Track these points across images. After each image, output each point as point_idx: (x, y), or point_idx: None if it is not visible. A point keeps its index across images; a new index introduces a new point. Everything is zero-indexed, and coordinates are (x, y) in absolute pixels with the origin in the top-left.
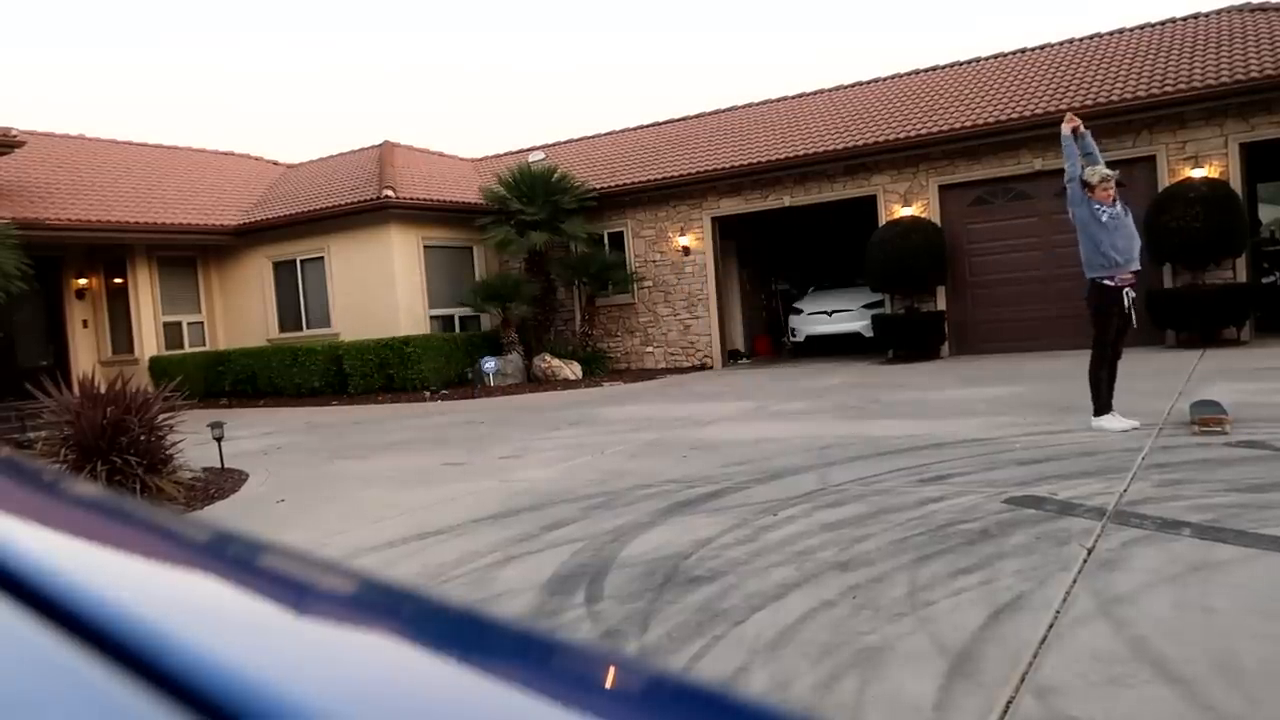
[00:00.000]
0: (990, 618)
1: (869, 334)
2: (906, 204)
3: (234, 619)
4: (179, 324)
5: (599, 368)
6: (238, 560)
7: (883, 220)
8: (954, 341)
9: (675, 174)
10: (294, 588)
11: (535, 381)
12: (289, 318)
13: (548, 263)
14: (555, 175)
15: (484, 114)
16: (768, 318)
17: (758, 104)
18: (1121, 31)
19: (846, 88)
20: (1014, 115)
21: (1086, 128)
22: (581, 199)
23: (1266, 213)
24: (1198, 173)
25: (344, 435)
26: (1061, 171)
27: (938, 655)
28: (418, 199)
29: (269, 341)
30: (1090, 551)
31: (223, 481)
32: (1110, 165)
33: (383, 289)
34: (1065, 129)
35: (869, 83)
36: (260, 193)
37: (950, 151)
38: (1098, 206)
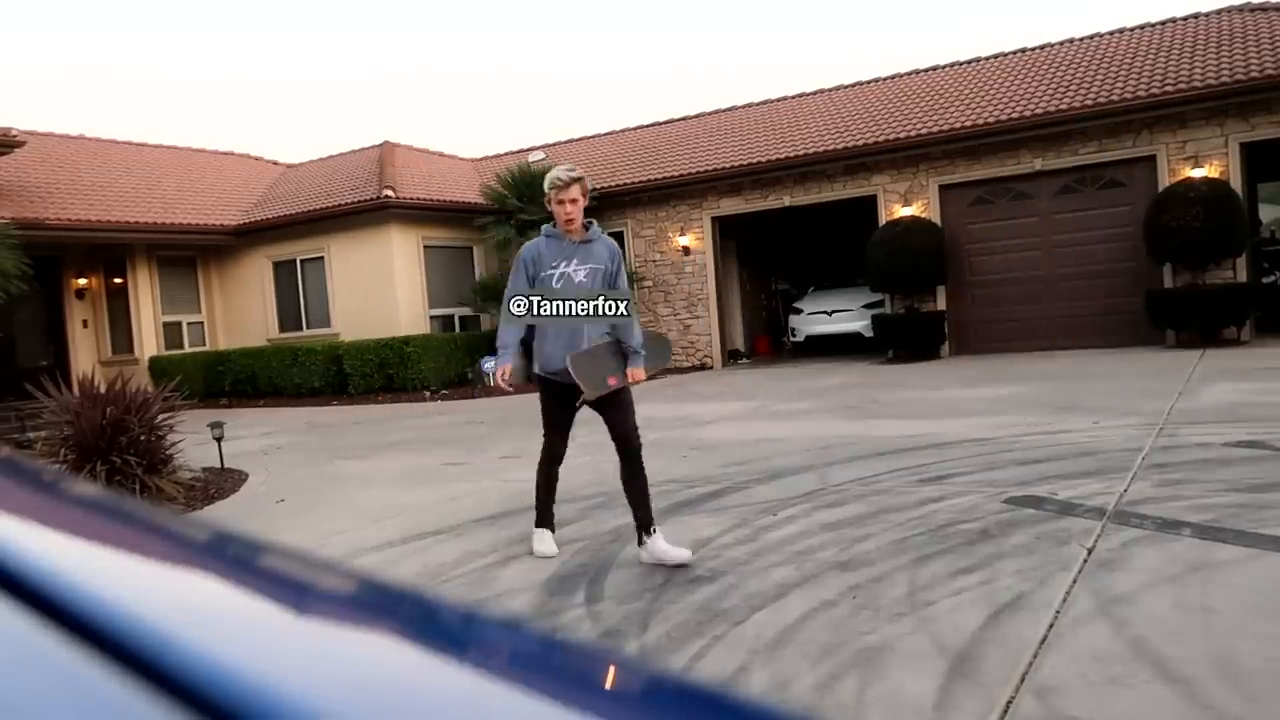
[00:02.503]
0: (990, 618)
1: (869, 334)
2: (906, 204)
3: (234, 619)
4: (179, 324)
5: None
6: (238, 560)
7: (883, 220)
8: (954, 341)
9: (675, 174)
10: (294, 588)
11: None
12: (289, 318)
13: None
14: None
15: (484, 114)
16: (768, 318)
17: (758, 104)
18: (1121, 31)
19: (846, 88)
20: (1014, 115)
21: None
22: None
23: (1266, 213)
24: (1198, 173)
25: (344, 435)
26: (1062, 171)
27: (938, 655)
28: (418, 199)
29: (269, 341)
30: (1090, 551)
31: (223, 481)
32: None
33: (383, 289)
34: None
35: (869, 83)
36: (260, 193)
37: (950, 151)
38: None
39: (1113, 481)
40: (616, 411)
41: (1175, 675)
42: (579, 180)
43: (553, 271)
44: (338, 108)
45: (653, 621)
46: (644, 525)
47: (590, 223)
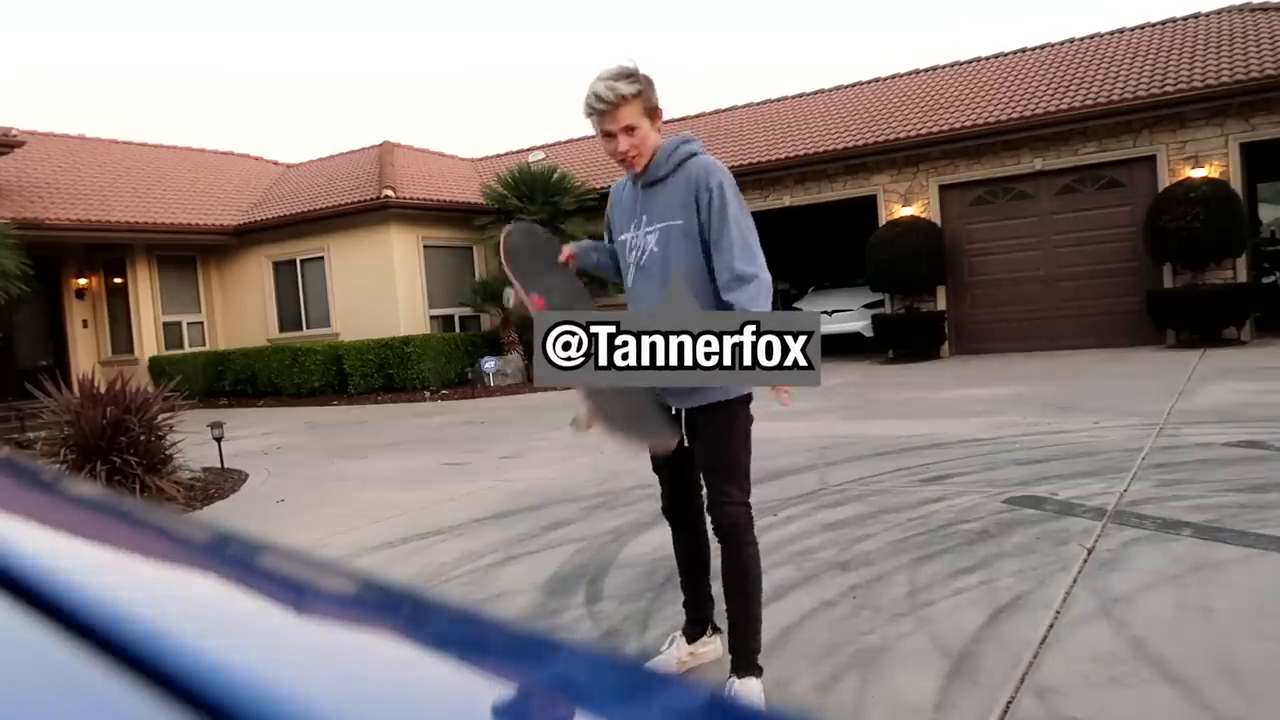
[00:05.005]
0: (990, 618)
1: (869, 334)
2: (906, 204)
3: (234, 619)
4: (179, 324)
5: None
6: (238, 560)
7: (883, 220)
8: (954, 341)
9: None
10: (294, 588)
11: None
12: (289, 318)
13: None
14: (555, 175)
15: (484, 114)
16: None
17: (758, 104)
18: (1121, 31)
19: (846, 88)
20: (1014, 115)
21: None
22: (581, 199)
23: (1266, 213)
24: (1198, 173)
25: (344, 435)
26: (1062, 171)
27: (938, 655)
28: (418, 199)
29: (269, 341)
30: (1090, 551)
31: (222, 481)
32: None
33: (383, 289)
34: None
35: (869, 83)
36: (260, 192)
37: (950, 151)
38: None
39: (1113, 481)
40: (705, 443)
41: (1175, 675)
42: (626, 98)
43: (624, 238)
44: (338, 108)
45: (653, 621)
46: (736, 657)
47: (660, 147)
